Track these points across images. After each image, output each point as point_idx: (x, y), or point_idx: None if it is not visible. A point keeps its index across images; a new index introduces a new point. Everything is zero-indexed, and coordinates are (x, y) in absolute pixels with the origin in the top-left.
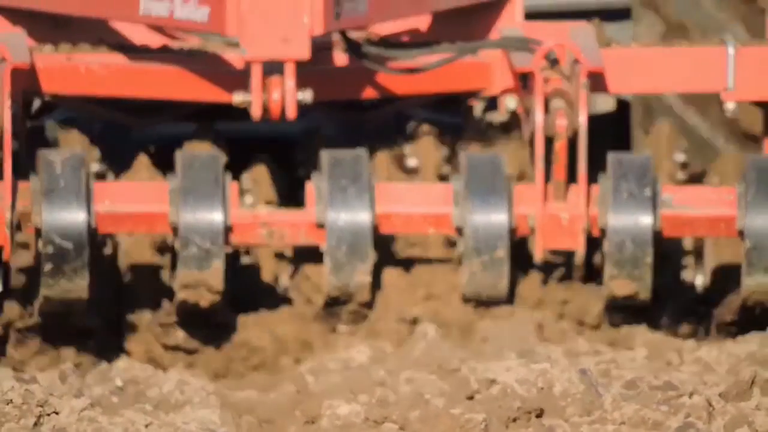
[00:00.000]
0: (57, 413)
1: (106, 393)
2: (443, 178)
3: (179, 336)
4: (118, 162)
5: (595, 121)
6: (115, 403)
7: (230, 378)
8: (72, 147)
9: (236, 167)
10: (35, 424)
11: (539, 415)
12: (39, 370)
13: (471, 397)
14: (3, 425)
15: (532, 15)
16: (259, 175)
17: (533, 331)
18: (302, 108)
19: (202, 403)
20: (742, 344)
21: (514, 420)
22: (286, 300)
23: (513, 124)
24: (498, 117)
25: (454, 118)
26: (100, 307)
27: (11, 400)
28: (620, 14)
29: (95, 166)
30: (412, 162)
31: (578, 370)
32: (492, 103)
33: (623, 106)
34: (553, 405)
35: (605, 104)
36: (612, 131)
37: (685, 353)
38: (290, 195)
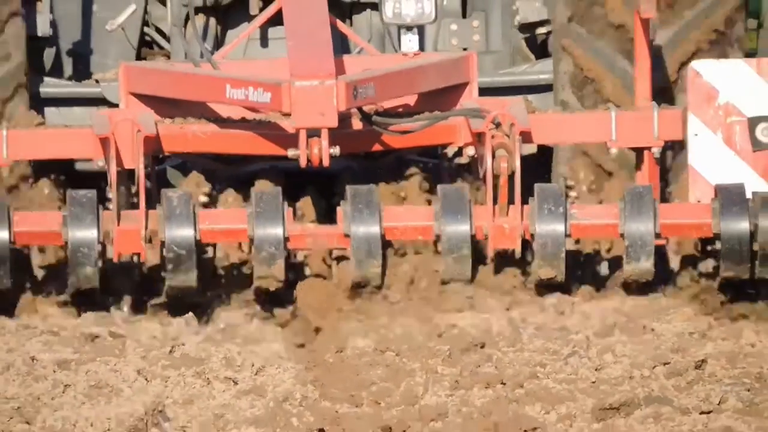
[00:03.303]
0: (183, 344)
1: (213, 332)
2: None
3: (257, 308)
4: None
5: (528, 159)
6: (219, 339)
7: (291, 326)
8: (191, 184)
9: (292, 196)
10: (170, 351)
11: (482, 347)
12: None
13: (440, 335)
14: (150, 351)
15: (486, 89)
16: (306, 203)
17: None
18: (333, 158)
19: (274, 339)
20: (609, 301)
21: (467, 349)
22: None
23: (472, 165)
24: (462, 160)
25: (434, 160)
26: (203, 290)
27: (155, 336)
28: (546, 87)
29: (204, 198)
30: (403, 193)
31: (507, 319)
32: (458, 151)
33: (546, 151)
34: (491, 340)
35: (530, 149)
36: (539, 168)
37: (574, 307)
38: (329, 214)
